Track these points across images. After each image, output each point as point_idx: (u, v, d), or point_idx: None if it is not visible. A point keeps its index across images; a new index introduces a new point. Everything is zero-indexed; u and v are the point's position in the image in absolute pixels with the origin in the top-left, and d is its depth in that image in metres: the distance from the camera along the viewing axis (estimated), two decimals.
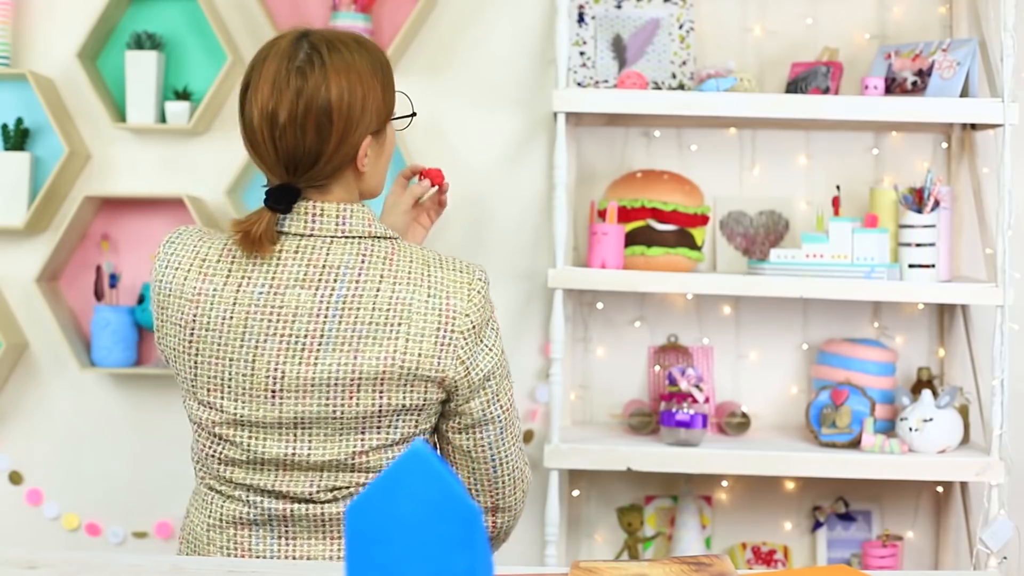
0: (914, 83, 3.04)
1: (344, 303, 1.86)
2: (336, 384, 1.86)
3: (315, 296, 1.86)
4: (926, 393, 2.97)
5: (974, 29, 3.15)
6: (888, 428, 3.06)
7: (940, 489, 3.24)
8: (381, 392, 1.86)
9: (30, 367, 3.31)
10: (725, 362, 3.28)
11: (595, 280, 2.96)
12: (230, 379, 1.87)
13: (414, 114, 2.10)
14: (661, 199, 3.04)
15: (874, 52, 3.21)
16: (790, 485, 3.25)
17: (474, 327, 1.88)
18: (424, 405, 1.89)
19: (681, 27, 3.21)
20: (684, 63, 3.20)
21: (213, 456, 1.92)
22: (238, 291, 1.87)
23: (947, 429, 2.94)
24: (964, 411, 3.06)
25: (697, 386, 2.97)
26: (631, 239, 3.04)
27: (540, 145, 3.25)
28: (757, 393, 3.26)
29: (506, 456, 1.96)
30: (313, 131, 1.86)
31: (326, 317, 1.85)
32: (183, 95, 3.23)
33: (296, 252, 1.88)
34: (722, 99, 2.95)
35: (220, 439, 1.90)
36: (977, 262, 3.17)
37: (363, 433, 1.88)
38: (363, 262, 1.88)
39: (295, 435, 1.88)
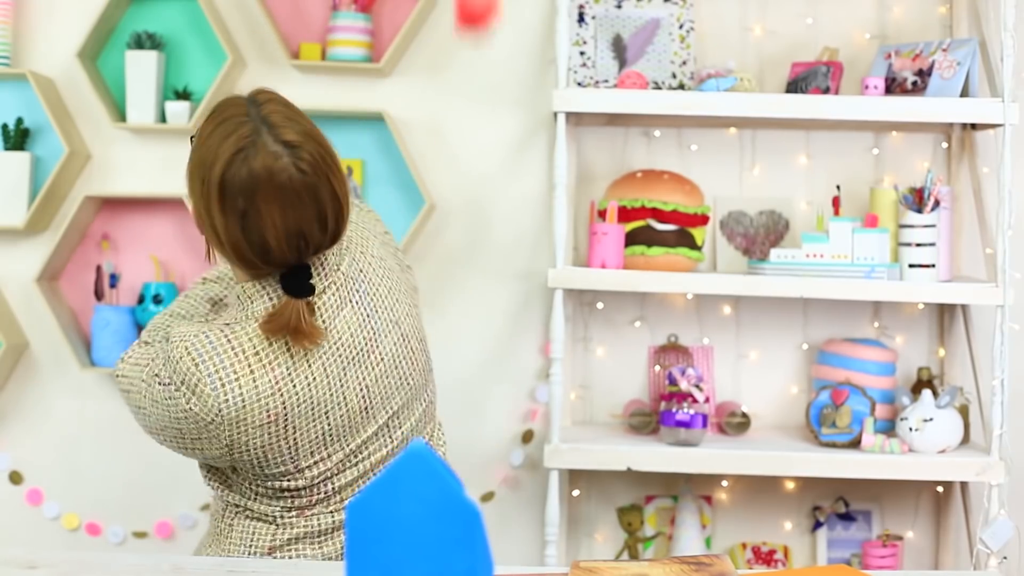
0: (914, 83, 3.04)
1: (371, 294, 1.95)
2: (400, 360, 1.97)
3: (355, 310, 1.92)
4: (926, 393, 2.97)
5: (974, 29, 3.15)
6: (888, 428, 3.06)
7: (940, 489, 3.24)
8: (421, 337, 2.03)
9: (30, 367, 3.31)
10: (725, 362, 3.27)
11: (595, 280, 2.96)
12: (332, 426, 1.91)
13: None
14: (661, 199, 3.04)
15: (874, 52, 3.21)
16: (790, 485, 3.25)
17: (386, 230, 2.09)
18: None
19: (681, 27, 3.21)
20: (684, 63, 3.20)
21: (320, 495, 1.95)
22: (306, 355, 1.88)
23: (947, 429, 2.94)
24: (964, 411, 3.06)
25: (697, 386, 2.97)
26: (631, 239, 3.04)
27: (540, 145, 3.25)
28: (757, 393, 3.26)
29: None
30: (327, 220, 1.88)
31: (370, 316, 1.93)
32: (183, 95, 3.23)
33: (325, 301, 1.92)
34: (722, 99, 2.95)
35: (332, 477, 1.94)
36: (977, 262, 3.17)
37: (425, 384, 2.04)
38: (349, 257, 1.95)
39: (389, 428, 1.97)
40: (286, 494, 1.94)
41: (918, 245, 2.97)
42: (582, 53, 3.20)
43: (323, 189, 1.86)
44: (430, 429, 2.08)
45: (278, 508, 1.95)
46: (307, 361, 1.87)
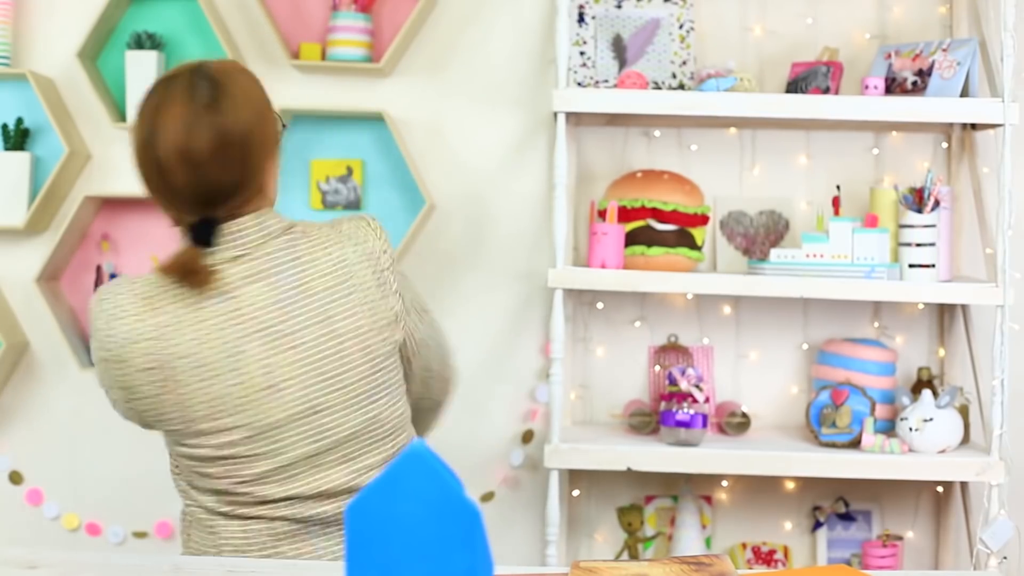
0: (914, 83, 3.04)
1: (300, 283, 1.94)
2: (324, 355, 1.94)
3: (271, 287, 1.94)
4: (926, 393, 2.97)
5: (974, 29, 3.15)
6: (888, 428, 3.06)
7: (940, 489, 3.24)
8: (366, 346, 1.97)
9: (30, 367, 3.31)
10: (725, 362, 3.27)
11: (595, 280, 2.96)
12: (226, 394, 1.89)
13: (284, 126, 2.09)
14: (661, 199, 3.04)
15: (874, 52, 3.21)
16: (790, 485, 3.25)
17: (392, 260, 2.03)
18: (393, 350, 2.01)
19: (681, 27, 3.21)
20: (684, 63, 3.20)
21: (235, 479, 1.93)
22: (198, 311, 1.92)
23: (947, 429, 2.94)
24: (964, 411, 3.06)
25: (697, 386, 2.97)
26: (631, 239, 3.04)
27: (540, 145, 3.25)
28: (757, 393, 3.26)
29: (445, 350, 2.20)
30: (233, 164, 1.92)
31: (290, 300, 1.93)
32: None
33: (236, 268, 1.95)
34: (722, 99, 2.95)
35: (242, 458, 1.92)
36: (977, 262, 3.17)
37: (375, 399, 1.99)
38: (293, 246, 1.96)
39: (310, 424, 1.94)
40: (214, 483, 1.95)
41: (918, 245, 2.96)
42: (582, 53, 3.20)
43: (232, 126, 1.91)
44: (383, 450, 2.03)
45: (219, 516, 1.97)
46: (199, 316, 1.91)
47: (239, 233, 1.95)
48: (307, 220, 2.05)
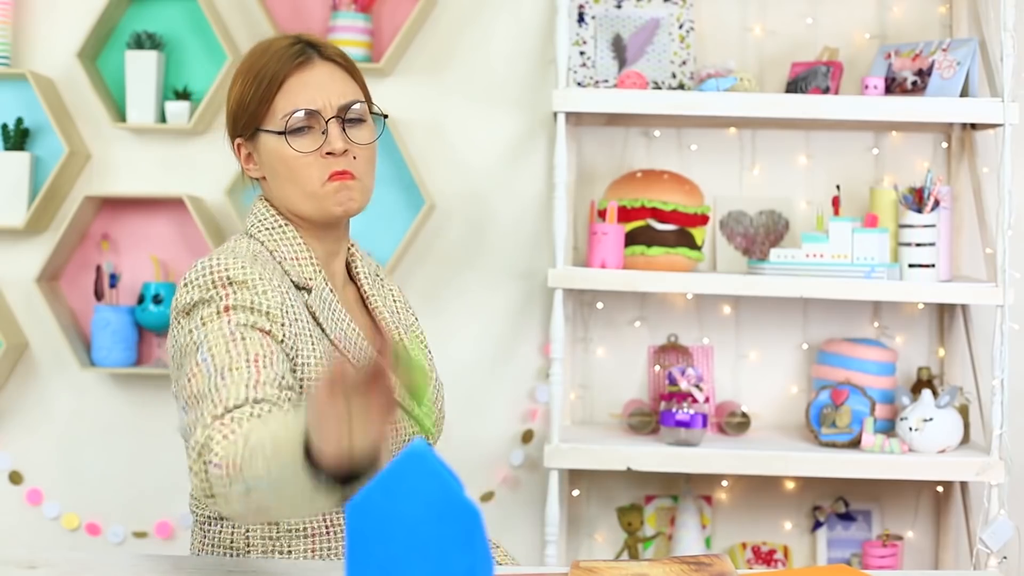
0: (914, 83, 3.04)
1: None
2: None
3: None
4: (926, 393, 2.97)
5: (974, 29, 3.15)
6: (888, 428, 3.06)
7: (940, 489, 3.24)
8: (174, 360, 1.86)
9: (30, 367, 3.31)
10: (725, 362, 3.27)
11: (595, 280, 2.96)
12: None
13: (282, 132, 1.91)
14: (661, 199, 3.04)
15: (874, 52, 3.21)
16: (790, 485, 3.25)
17: (180, 307, 1.81)
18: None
19: (681, 27, 3.21)
20: (684, 63, 3.20)
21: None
22: None
23: (947, 429, 2.94)
24: (964, 411, 3.06)
25: (697, 386, 2.97)
26: (631, 239, 3.04)
27: (540, 145, 3.25)
28: (757, 393, 3.26)
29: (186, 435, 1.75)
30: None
31: None
32: (183, 95, 3.23)
33: None
34: (722, 99, 2.95)
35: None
36: (977, 262, 3.17)
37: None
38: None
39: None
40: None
41: (918, 245, 2.97)
42: (582, 53, 3.20)
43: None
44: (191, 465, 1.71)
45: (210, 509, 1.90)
46: None
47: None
48: (235, 239, 1.94)
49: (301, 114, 1.90)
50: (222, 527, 1.90)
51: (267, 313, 1.79)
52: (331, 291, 1.93)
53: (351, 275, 2.06)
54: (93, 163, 3.29)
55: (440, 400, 2.06)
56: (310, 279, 1.90)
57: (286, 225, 1.93)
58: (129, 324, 3.21)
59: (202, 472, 1.61)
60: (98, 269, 3.23)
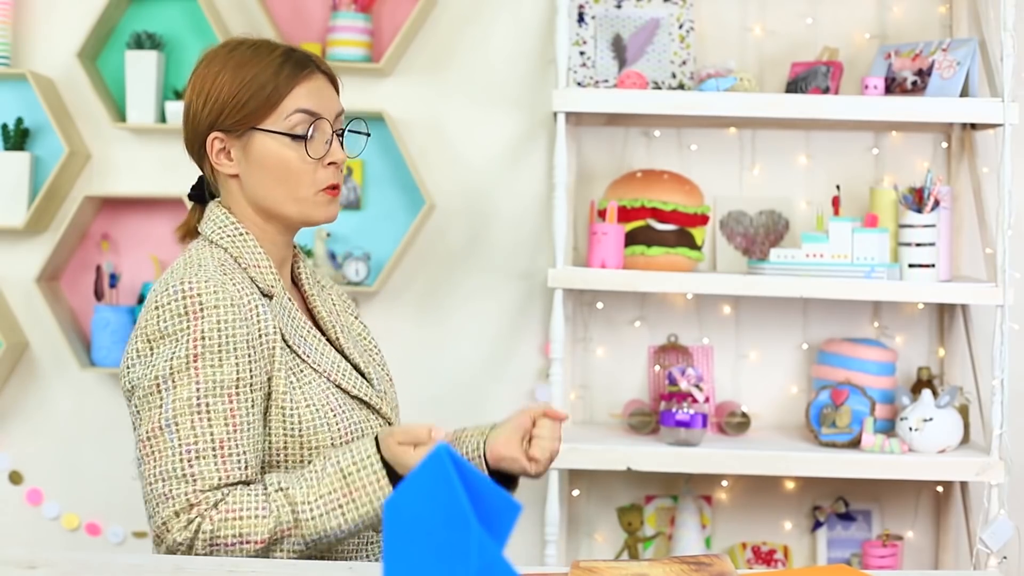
0: (914, 83, 3.04)
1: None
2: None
3: None
4: (926, 393, 2.97)
5: (974, 29, 3.15)
6: (888, 428, 3.06)
7: (940, 489, 3.24)
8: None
9: (30, 367, 3.31)
10: (725, 362, 3.27)
11: (595, 280, 2.96)
12: None
13: (296, 135, 1.91)
14: (661, 199, 3.04)
15: (874, 52, 3.21)
16: (790, 485, 3.25)
17: (148, 333, 1.82)
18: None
19: (681, 27, 3.21)
20: (684, 63, 3.20)
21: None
22: None
23: (947, 429, 2.94)
24: (964, 411, 3.06)
25: (697, 386, 2.97)
26: (631, 239, 3.04)
27: (540, 145, 3.25)
28: (757, 393, 3.26)
29: (142, 486, 1.81)
30: (182, 122, 1.98)
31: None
32: (183, 95, 3.23)
33: None
34: (722, 99, 2.95)
35: None
36: (977, 262, 3.17)
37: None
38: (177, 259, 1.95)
39: None
40: None
41: (918, 245, 2.96)
42: (582, 53, 3.20)
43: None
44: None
45: None
46: None
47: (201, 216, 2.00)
48: (198, 247, 1.93)
49: (313, 120, 1.91)
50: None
51: (236, 353, 1.80)
52: (289, 299, 1.95)
53: (294, 281, 2.06)
54: (93, 163, 3.29)
55: (393, 391, 2.10)
56: (272, 286, 1.91)
57: (246, 233, 1.92)
58: (129, 324, 3.21)
59: (196, 545, 1.74)
60: (98, 269, 3.23)
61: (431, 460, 1.20)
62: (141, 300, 3.23)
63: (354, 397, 1.94)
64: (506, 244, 3.26)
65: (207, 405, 1.77)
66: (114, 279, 3.25)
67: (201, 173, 2.01)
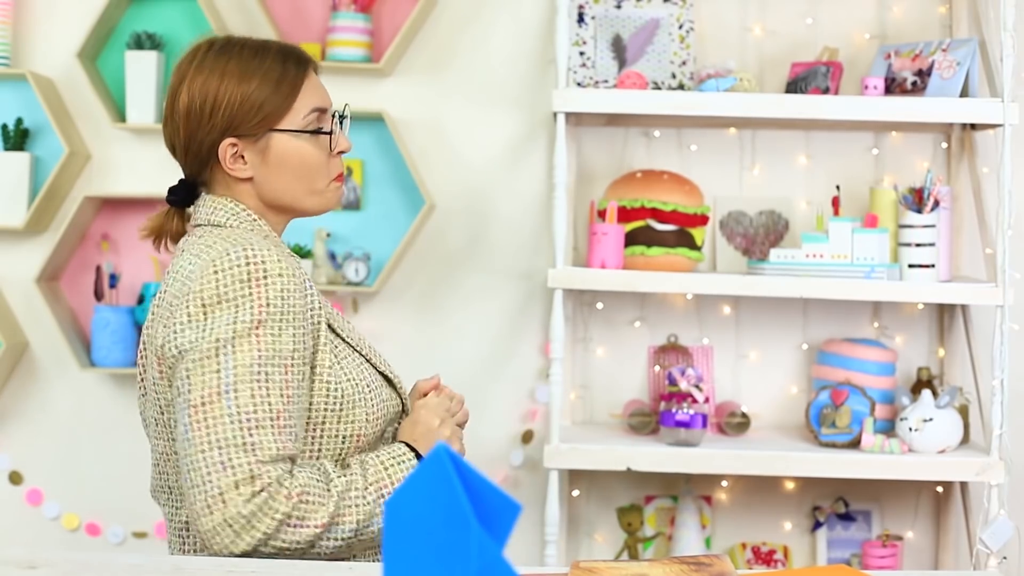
0: (914, 83, 3.04)
1: (165, 280, 1.90)
2: (141, 374, 1.90)
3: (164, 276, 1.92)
4: (926, 393, 2.97)
5: (974, 29, 3.15)
6: (888, 428, 3.06)
7: (940, 489, 3.24)
8: (152, 378, 1.86)
9: (30, 367, 3.31)
10: (725, 362, 3.27)
11: (595, 280, 2.96)
12: None
13: (319, 131, 1.93)
14: (661, 199, 3.04)
15: (874, 52, 3.21)
16: (790, 485, 3.25)
17: (205, 298, 1.78)
18: (155, 380, 1.84)
19: (681, 27, 3.21)
20: (684, 63, 3.20)
21: None
22: None
23: (947, 429, 2.94)
24: (964, 411, 3.06)
25: (697, 386, 2.97)
26: (631, 239, 3.04)
27: (540, 145, 3.25)
28: (757, 393, 3.26)
29: (187, 453, 1.73)
30: (169, 126, 1.97)
31: (155, 303, 1.90)
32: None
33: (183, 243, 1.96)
34: (722, 99, 2.95)
35: None
36: (977, 262, 3.17)
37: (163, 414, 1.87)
38: (188, 245, 1.91)
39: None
40: None
41: (918, 245, 2.97)
42: (582, 53, 3.20)
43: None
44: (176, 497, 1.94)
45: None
46: None
47: (196, 207, 1.98)
48: (235, 232, 1.89)
49: (327, 114, 1.95)
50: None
51: (295, 325, 1.79)
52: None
53: None
54: (93, 163, 3.29)
55: None
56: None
57: (259, 218, 1.92)
58: (129, 324, 3.21)
59: (263, 522, 1.70)
60: (98, 269, 3.23)
61: (431, 460, 1.20)
62: (141, 300, 3.23)
63: (380, 373, 1.95)
64: (506, 244, 3.26)
65: (266, 374, 1.74)
66: (114, 279, 3.25)
67: (182, 176, 2.00)
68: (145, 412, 1.91)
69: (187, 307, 1.78)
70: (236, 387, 1.72)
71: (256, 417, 1.72)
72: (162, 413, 1.85)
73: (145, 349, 1.88)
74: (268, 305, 1.76)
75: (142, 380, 1.90)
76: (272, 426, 1.72)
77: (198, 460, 1.71)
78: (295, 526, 1.71)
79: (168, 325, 1.80)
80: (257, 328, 1.75)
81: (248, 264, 1.78)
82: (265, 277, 1.77)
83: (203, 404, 1.72)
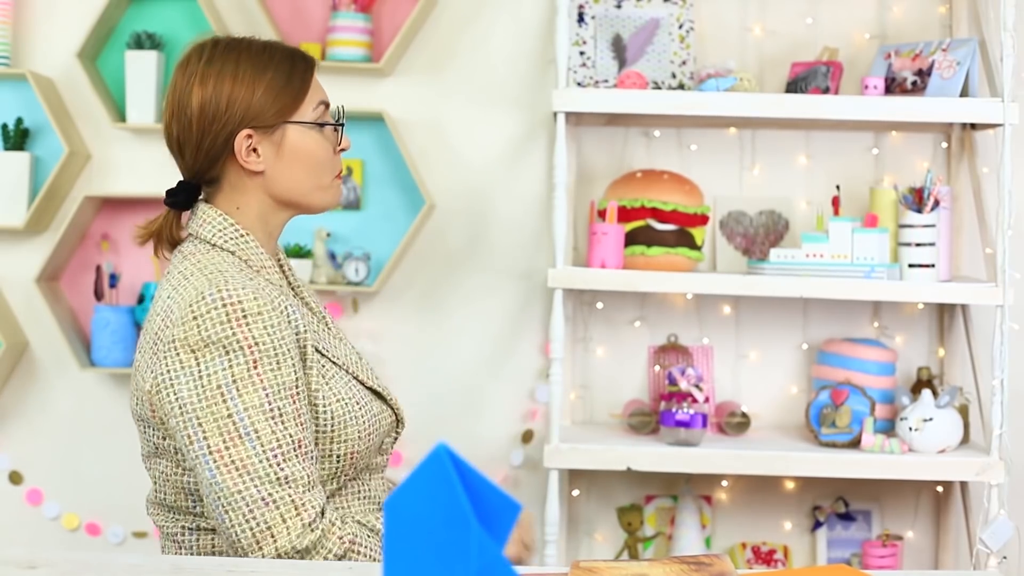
0: (914, 83, 3.04)
1: (154, 304, 1.90)
2: (132, 395, 1.92)
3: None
4: (926, 393, 2.97)
5: (974, 29, 3.15)
6: (888, 428, 3.06)
7: (940, 489, 3.24)
8: (135, 401, 1.89)
9: (30, 367, 3.31)
10: (725, 362, 3.27)
11: (595, 280, 2.96)
12: None
13: (335, 123, 1.99)
14: (661, 199, 3.04)
15: (874, 52, 3.21)
16: (790, 485, 3.25)
17: (191, 344, 1.78)
18: (147, 417, 1.87)
19: (681, 27, 3.21)
20: (684, 63, 3.20)
21: None
22: None
23: (947, 429, 2.94)
24: (964, 411, 3.06)
25: (697, 386, 2.97)
26: (631, 239, 3.04)
27: (540, 145, 3.25)
28: (757, 393, 3.26)
29: (220, 496, 1.75)
30: (177, 124, 1.95)
31: (148, 316, 1.91)
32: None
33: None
34: (722, 99, 2.95)
35: None
36: (977, 262, 3.17)
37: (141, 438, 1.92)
38: (173, 265, 1.92)
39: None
40: None
41: (918, 245, 2.97)
42: (582, 53, 3.20)
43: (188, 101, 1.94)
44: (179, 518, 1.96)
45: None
46: None
47: (191, 217, 1.97)
48: (202, 251, 1.90)
49: (332, 108, 1.99)
50: (198, 536, 1.91)
51: (288, 356, 1.80)
52: (295, 296, 1.98)
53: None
54: (93, 163, 3.29)
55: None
56: (281, 286, 1.93)
57: (247, 234, 1.92)
58: (129, 324, 3.21)
59: (320, 553, 1.76)
60: (98, 269, 3.23)
61: (431, 460, 1.20)
62: (141, 300, 3.23)
63: (369, 388, 1.95)
64: (506, 244, 3.26)
65: (279, 409, 1.77)
66: (114, 279, 3.25)
67: (181, 178, 2.00)
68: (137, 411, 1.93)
69: (176, 354, 1.79)
70: (255, 427, 1.75)
71: (282, 451, 1.75)
72: (164, 439, 1.87)
73: (136, 380, 1.89)
74: (257, 344, 1.78)
75: (136, 403, 1.91)
76: (297, 455, 1.77)
77: (236, 500, 1.74)
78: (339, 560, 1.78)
79: (156, 371, 1.81)
80: (255, 367, 1.77)
81: (225, 305, 1.79)
82: (244, 316, 1.78)
83: (226, 448, 1.75)
